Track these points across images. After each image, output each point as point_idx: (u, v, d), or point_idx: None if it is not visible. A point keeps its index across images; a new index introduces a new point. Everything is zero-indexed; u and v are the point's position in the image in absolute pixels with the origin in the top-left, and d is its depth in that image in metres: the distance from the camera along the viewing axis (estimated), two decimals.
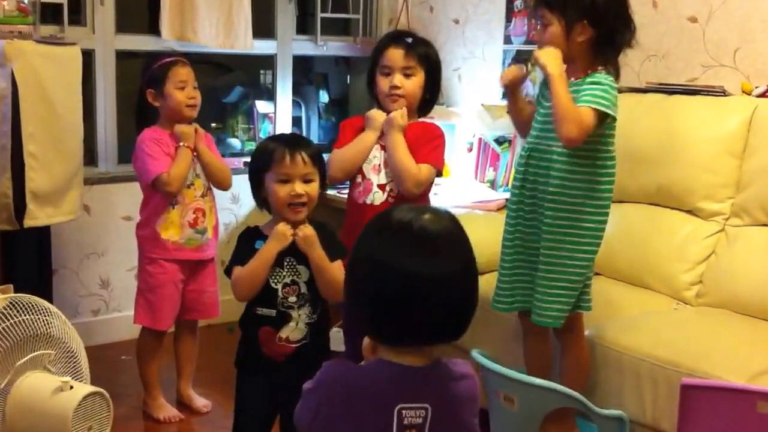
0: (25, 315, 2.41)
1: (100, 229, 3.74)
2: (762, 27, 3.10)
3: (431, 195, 2.81)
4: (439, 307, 1.35)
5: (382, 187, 2.64)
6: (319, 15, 4.30)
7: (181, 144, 2.95)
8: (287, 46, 4.27)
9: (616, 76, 2.42)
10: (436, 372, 1.42)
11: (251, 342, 2.22)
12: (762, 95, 2.98)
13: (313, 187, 2.18)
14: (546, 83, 2.38)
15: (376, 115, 2.66)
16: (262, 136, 4.39)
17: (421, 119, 2.75)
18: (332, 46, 4.43)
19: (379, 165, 2.65)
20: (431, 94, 2.72)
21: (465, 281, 1.39)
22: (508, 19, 4.01)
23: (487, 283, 2.65)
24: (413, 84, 2.64)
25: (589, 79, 2.34)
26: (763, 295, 2.68)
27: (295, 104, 4.45)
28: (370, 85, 2.73)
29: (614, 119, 2.35)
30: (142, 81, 3.03)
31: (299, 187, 2.15)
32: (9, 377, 2.39)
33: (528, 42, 3.85)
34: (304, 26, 4.40)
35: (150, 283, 3.03)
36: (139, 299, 3.07)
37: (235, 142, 4.47)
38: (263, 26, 4.16)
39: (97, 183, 3.68)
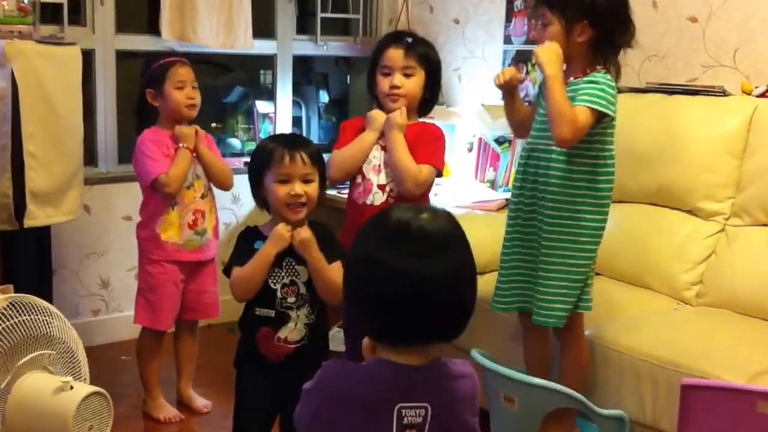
0: (24, 315, 2.40)
1: (100, 229, 3.74)
2: (762, 27, 3.10)
3: (431, 195, 2.82)
4: (437, 307, 1.35)
5: (382, 187, 2.64)
6: (319, 15, 4.30)
7: (181, 145, 2.95)
8: (287, 46, 4.27)
9: (617, 75, 2.42)
10: (436, 371, 1.42)
11: (250, 342, 2.22)
12: (762, 95, 2.98)
13: (313, 188, 2.18)
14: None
15: (377, 115, 2.66)
16: (262, 136, 4.39)
17: (422, 119, 2.75)
18: (332, 46, 4.43)
19: (379, 165, 2.65)
20: (431, 94, 2.73)
21: (463, 280, 1.39)
22: (508, 19, 4.01)
23: (487, 283, 2.65)
24: (413, 84, 2.64)
25: (586, 78, 2.35)
26: (763, 295, 2.68)
27: (295, 104, 4.45)
28: (370, 85, 2.73)
29: (612, 118, 2.35)
30: (142, 81, 3.03)
31: (298, 188, 2.15)
32: (9, 377, 2.39)
33: (528, 42, 3.85)
34: (304, 26, 4.40)
35: (150, 283, 3.03)
36: (139, 299, 3.07)
37: (235, 142, 4.47)
38: (263, 26, 4.16)
39: (97, 183, 3.68)
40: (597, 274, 2.81)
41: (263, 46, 4.19)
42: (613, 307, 2.73)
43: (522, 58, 3.88)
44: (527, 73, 2.57)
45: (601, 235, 2.44)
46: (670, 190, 3.02)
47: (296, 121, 4.51)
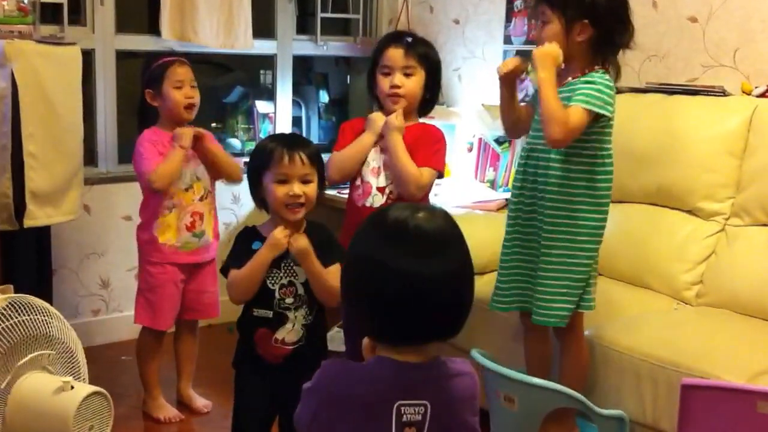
0: (24, 315, 2.40)
1: (100, 229, 3.74)
2: (762, 27, 3.10)
3: (431, 195, 2.81)
4: (437, 306, 1.35)
5: (381, 189, 2.64)
6: (319, 15, 4.30)
7: (175, 144, 2.94)
8: (287, 46, 4.27)
9: (616, 75, 2.42)
10: (435, 369, 1.42)
11: (248, 343, 2.22)
12: (762, 95, 2.98)
13: (312, 188, 2.18)
14: None
15: (376, 117, 2.66)
16: (262, 136, 4.39)
17: (422, 120, 2.75)
18: (332, 46, 4.43)
19: (379, 168, 2.65)
20: (431, 94, 2.72)
21: (462, 280, 1.39)
22: (508, 19, 4.01)
23: (486, 283, 2.65)
24: (413, 83, 2.64)
25: (584, 79, 2.35)
26: (763, 295, 2.68)
27: (295, 104, 4.45)
28: (370, 86, 2.73)
29: (610, 119, 2.35)
30: (142, 81, 3.03)
31: (297, 188, 2.15)
32: (9, 377, 2.39)
33: (528, 42, 3.85)
34: (304, 26, 4.40)
35: (150, 283, 3.03)
36: (140, 299, 3.06)
37: (235, 142, 4.47)
38: (263, 26, 4.16)
39: (97, 183, 3.68)
40: (597, 274, 2.81)
41: (263, 46, 4.18)
42: (613, 307, 2.73)
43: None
44: (527, 73, 2.57)
45: (601, 234, 2.44)
46: (670, 190, 3.02)
47: (296, 121, 4.51)
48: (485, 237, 2.86)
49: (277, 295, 2.17)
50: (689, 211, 2.99)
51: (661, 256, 2.96)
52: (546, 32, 2.38)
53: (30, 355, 2.42)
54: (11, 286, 2.48)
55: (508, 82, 2.50)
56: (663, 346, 2.41)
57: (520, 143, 3.37)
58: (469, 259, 1.41)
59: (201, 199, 3.03)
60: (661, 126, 3.05)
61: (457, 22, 4.26)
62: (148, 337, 3.08)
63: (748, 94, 3.02)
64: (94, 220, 3.71)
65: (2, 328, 2.35)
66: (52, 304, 2.59)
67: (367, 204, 2.64)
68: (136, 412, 3.11)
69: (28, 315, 2.42)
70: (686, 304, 2.88)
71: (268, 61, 4.40)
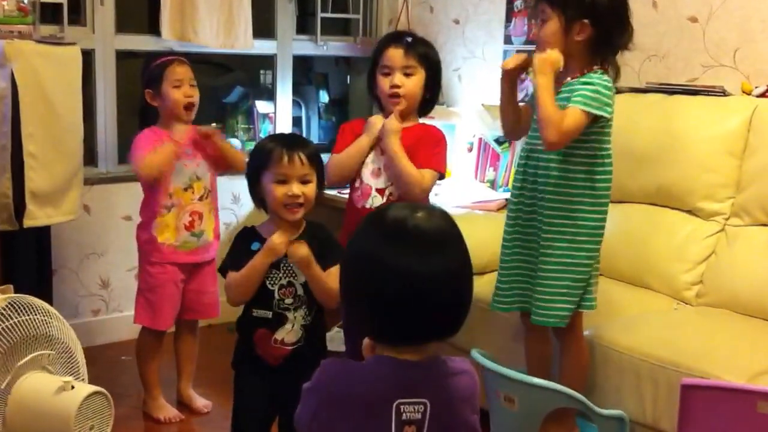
0: (23, 315, 2.40)
1: (100, 229, 3.74)
2: (762, 27, 3.10)
3: (431, 196, 2.81)
4: (437, 306, 1.35)
5: (381, 191, 2.63)
6: (319, 15, 4.30)
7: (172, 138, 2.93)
8: (287, 46, 4.27)
9: (615, 75, 2.42)
10: (435, 368, 1.42)
11: (248, 343, 2.21)
12: (762, 95, 2.98)
13: (311, 188, 2.18)
14: None
15: (374, 120, 2.65)
16: (262, 136, 4.38)
17: (422, 120, 2.74)
18: (332, 46, 4.43)
19: (379, 169, 2.64)
20: (432, 94, 2.72)
21: (461, 278, 1.39)
22: (508, 19, 4.01)
23: (487, 283, 2.65)
24: (413, 83, 2.63)
25: (582, 79, 2.35)
26: (763, 295, 2.68)
27: (295, 104, 4.45)
28: (370, 86, 2.73)
29: (608, 119, 2.35)
30: (141, 81, 3.03)
31: (296, 188, 2.15)
32: (9, 378, 2.39)
33: (528, 42, 3.85)
34: (304, 26, 4.40)
35: (150, 283, 3.03)
36: (139, 299, 3.06)
37: (235, 142, 4.46)
38: (263, 26, 4.16)
39: (97, 183, 3.68)
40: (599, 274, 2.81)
41: (263, 46, 4.19)
42: (613, 307, 2.73)
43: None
44: (527, 73, 2.57)
45: (601, 234, 2.44)
46: (670, 190, 3.02)
47: (296, 121, 4.51)
48: (485, 237, 2.86)
49: (276, 295, 2.17)
50: (689, 211, 2.99)
51: (661, 256, 2.96)
52: (545, 30, 2.38)
53: (30, 355, 2.42)
54: (11, 286, 2.48)
55: (511, 78, 2.49)
56: (663, 346, 2.41)
57: (520, 143, 3.37)
58: (468, 259, 1.41)
59: (201, 199, 3.03)
60: (661, 126, 3.05)
61: (457, 22, 4.26)
62: (148, 337, 3.08)
63: (748, 94, 3.03)
64: (94, 220, 3.71)
65: (2, 328, 2.35)
66: (52, 304, 2.59)
67: (367, 205, 2.63)
68: (136, 412, 3.11)
69: (28, 315, 2.42)
70: (686, 304, 2.88)
71: (268, 61, 4.41)
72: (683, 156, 2.97)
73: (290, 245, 2.14)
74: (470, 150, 3.98)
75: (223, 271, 2.22)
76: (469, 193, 3.75)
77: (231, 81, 4.68)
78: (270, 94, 4.41)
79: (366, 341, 1.45)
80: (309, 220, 2.25)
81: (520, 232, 2.50)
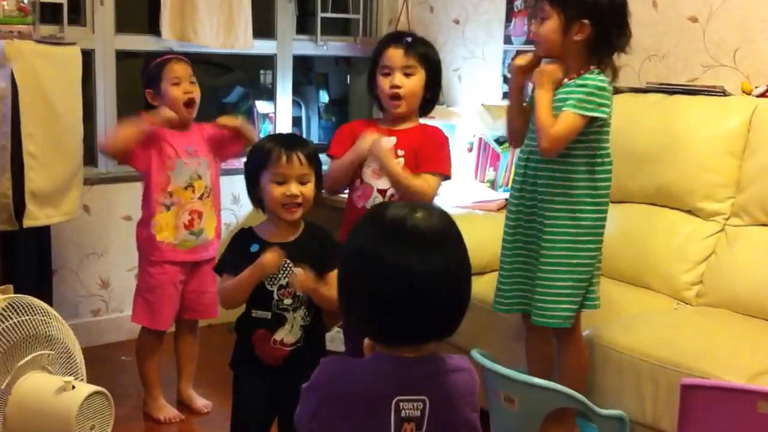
0: (23, 315, 2.40)
1: (100, 229, 3.74)
2: (762, 27, 3.10)
3: None
4: (437, 306, 1.35)
5: (382, 192, 2.62)
6: (319, 15, 4.30)
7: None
8: (287, 46, 4.27)
9: (614, 76, 2.42)
10: (433, 365, 1.42)
11: (247, 344, 2.21)
12: (762, 95, 2.98)
13: (309, 188, 2.18)
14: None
15: (362, 143, 2.56)
16: (263, 136, 4.38)
17: (422, 120, 2.74)
18: (332, 46, 4.43)
19: (380, 169, 2.63)
20: (432, 94, 2.71)
21: (460, 278, 1.39)
22: (508, 19, 4.02)
23: (487, 283, 2.65)
24: (413, 83, 2.63)
25: (578, 81, 2.36)
26: (763, 295, 2.68)
27: (295, 104, 4.45)
28: (370, 86, 2.72)
29: (605, 119, 2.35)
30: (141, 82, 3.03)
31: (295, 188, 2.15)
32: (9, 378, 2.39)
33: (528, 42, 3.85)
34: (304, 26, 4.40)
35: (150, 284, 3.02)
36: (138, 299, 3.06)
37: None
38: (263, 26, 4.16)
39: (97, 183, 3.68)
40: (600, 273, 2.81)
41: (263, 46, 4.18)
42: (613, 307, 2.73)
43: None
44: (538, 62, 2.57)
45: (601, 233, 2.44)
46: (670, 190, 3.02)
47: (296, 121, 4.51)
48: (485, 237, 2.86)
49: (275, 296, 2.17)
50: (689, 211, 2.99)
51: (661, 256, 2.96)
52: (544, 29, 2.38)
53: (30, 356, 2.42)
54: (11, 286, 2.48)
55: (521, 80, 2.48)
56: (663, 346, 2.41)
57: None
58: (467, 258, 1.41)
59: (201, 198, 3.03)
60: (661, 126, 3.05)
61: (457, 22, 4.26)
62: (147, 337, 3.08)
63: (748, 94, 3.03)
64: (94, 220, 3.71)
65: (2, 328, 2.35)
66: (52, 305, 2.59)
67: (367, 206, 2.62)
68: (136, 412, 3.11)
69: (28, 315, 2.42)
70: (686, 304, 2.88)
71: (268, 61, 4.41)
72: (683, 156, 2.97)
73: (296, 275, 2.13)
74: (470, 150, 3.98)
75: (219, 270, 2.23)
76: (469, 193, 3.75)
77: (231, 81, 4.69)
78: (270, 94, 4.41)
79: (366, 341, 1.45)
80: (308, 221, 2.25)
81: (521, 234, 2.50)
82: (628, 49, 2.40)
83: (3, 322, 2.35)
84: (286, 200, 2.15)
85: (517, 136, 2.56)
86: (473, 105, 4.07)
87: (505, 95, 4.03)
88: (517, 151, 2.68)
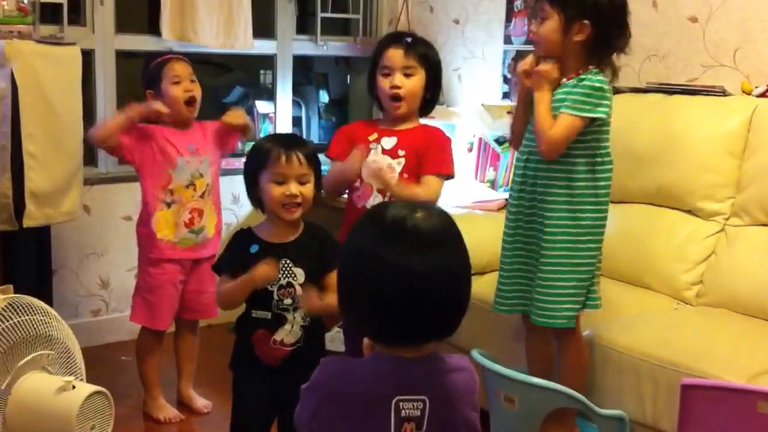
0: (23, 316, 2.40)
1: (100, 229, 3.74)
2: (762, 27, 3.10)
3: None
4: (435, 304, 1.35)
5: (382, 192, 2.62)
6: (319, 15, 4.30)
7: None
8: (287, 46, 4.27)
9: (613, 75, 2.42)
10: (433, 364, 1.42)
11: (246, 344, 2.21)
12: (762, 95, 2.98)
13: (309, 188, 2.18)
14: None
15: (352, 162, 2.53)
16: (263, 136, 4.39)
17: (423, 120, 2.74)
18: (332, 46, 4.43)
19: (380, 169, 2.63)
20: (432, 94, 2.71)
21: (459, 278, 1.39)
22: (508, 19, 4.02)
23: (487, 283, 2.65)
24: (413, 84, 2.63)
25: (575, 82, 2.36)
26: (763, 295, 2.68)
27: (295, 104, 4.45)
28: (370, 86, 2.72)
29: (603, 120, 2.35)
30: (142, 84, 3.03)
31: (294, 188, 2.15)
32: (9, 378, 2.39)
33: (528, 42, 3.85)
34: (304, 26, 4.40)
35: (149, 284, 3.02)
36: (137, 298, 3.06)
37: None
38: (263, 26, 4.16)
39: (97, 183, 3.68)
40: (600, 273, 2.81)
41: (263, 46, 4.19)
42: (613, 307, 2.72)
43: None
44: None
45: (602, 233, 2.44)
46: (670, 190, 3.02)
47: (296, 121, 4.51)
48: (485, 237, 2.86)
49: (275, 296, 2.17)
50: (689, 211, 2.99)
51: (660, 256, 2.96)
52: (544, 29, 2.38)
53: (30, 356, 2.42)
54: (11, 287, 2.48)
55: (526, 81, 2.48)
56: (663, 346, 2.41)
57: None
58: (467, 258, 1.41)
59: (202, 196, 3.03)
60: (661, 126, 3.05)
61: (457, 22, 4.26)
62: (147, 337, 3.08)
63: (748, 94, 3.03)
64: (94, 220, 3.71)
65: (2, 328, 2.35)
66: (52, 305, 2.59)
67: (368, 206, 2.62)
68: (136, 412, 3.11)
69: (28, 315, 2.42)
70: (686, 304, 2.88)
71: (268, 61, 4.41)
72: (683, 156, 2.97)
73: (307, 299, 2.14)
74: (470, 150, 3.98)
75: (217, 270, 2.23)
76: (469, 193, 3.75)
77: (231, 81, 4.69)
78: (270, 94, 4.41)
79: (366, 341, 1.45)
80: (307, 221, 2.25)
81: (521, 235, 2.50)
82: (627, 50, 2.40)
83: (3, 322, 2.35)
84: (285, 200, 2.15)
85: (520, 138, 2.56)
86: (473, 105, 4.07)
87: (505, 95, 4.04)
88: (517, 151, 2.68)
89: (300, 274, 2.17)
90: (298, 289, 2.17)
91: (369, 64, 2.72)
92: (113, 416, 2.47)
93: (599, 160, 2.40)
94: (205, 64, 4.18)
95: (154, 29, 3.78)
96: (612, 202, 2.48)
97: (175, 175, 2.97)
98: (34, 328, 2.42)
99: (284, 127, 4.32)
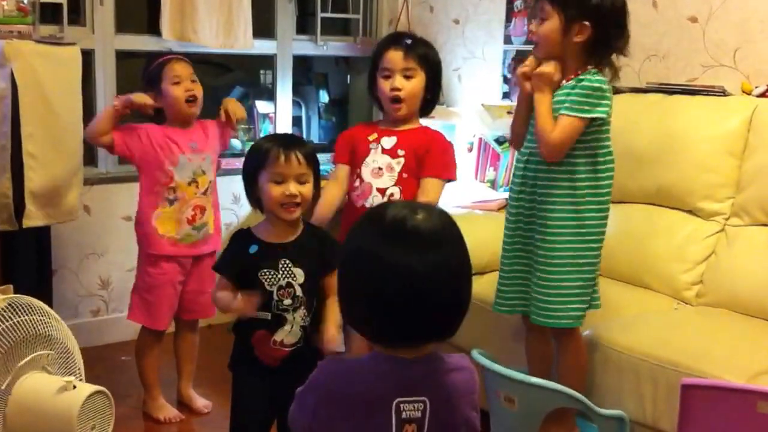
0: (23, 316, 2.40)
1: (100, 229, 3.74)
2: (761, 27, 3.10)
3: None
4: (435, 305, 1.35)
5: (381, 191, 2.62)
6: (319, 15, 4.30)
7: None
8: (287, 46, 4.27)
9: (613, 75, 2.42)
10: (432, 364, 1.42)
11: (246, 345, 2.21)
12: (762, 95, 2.98)
13: (308, 188, 2.18)
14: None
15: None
16: (263, 135, 4.39)
17: (423, 121, 2.73)
18: (332, 46, 4.43)
19: (379, 168, 2.63)
20: (432, 95, 2.71)
21: (460, 278, 1.38)
22: (508, 19, 4.02)
23: (487, 283, 2.65)
24: (414, 85, 2.63)
25: (575, 82, 2.36)
26: (763, 295, 2.68)
27: (295, 104, 4.45)
28: (370, 87, 2.72)
29: (604, 119, 2.35)
30: (143, 85, 3.03)
31: (293, 188, 2.15)
32: (9, 378, 2.39)
33: (528, 42, 3.85)
34: (304, 26, 4.40)
35: (148, 283, 3.03)
36: (135, 297, 3.06)
37: (235, 142, 4.46)
38: (263, 26, 4.16)
39: (97, 183, 3.68)
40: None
41: (263, 46, 4.19)
42: (613, 307, 2.73)
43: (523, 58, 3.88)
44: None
45: (604, 232, 2.45)
46: (670, 191, 3.02)
47: (296, 121, 4.51)
48: (485, 237, 2.86)
49: (275, 296, 2.17)
50: (689, 211, 2.99)
51: (660, 256, 2.96)
52: (543, 29, 2.38)
53: (30, 356, 2.42)
54: (11, 287, 2.48)
55: (527, 83, 2.48)
56: (663, 346, 2.41)
57: None
58: (467, 258, 1.41)
59: (205, 193, 3.04)
60: (661, 126, 3.05)
61: (457, 22, 4.26)
62: (147, 337, 3.08)
63: (748, 94, 3.03)
64: (94, 220, 3.71)
65: (2, 328, 2.35)
66: (52, 305, 2.59)
67: (366, 204, 2.62)
68: (136, 412, 3.11)
69: (27, 315, 2.42)
70: (686, 303, 2.88)
71: (268, 61, 4.41)
72: (683, 156, 2.97)
73: (325, 339, 2.16)
74: (470, 150, 3.98)
75: (217, 270, 2.23)
76: (469, 193, 3.75)
77: (231, 81, 4.69)
78: (270, 94, 4.41)
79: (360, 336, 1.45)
80: (308, 222, 2.25)
81: (521, 236, 2.50)
82: (626, 52, 2.40)
83: (3, 323, 2.35)
84: (284, 200, 2.15)
85: (520, 139, 2.56)
86: (473, 105, 4.07)
87: (505, 95, 4.04)
88: (517, 152, 2.68)
89: (299, 274, 2.17)
90: (298, 289, 2.17)
91: (369, 64, 2.72)
92: (113, 416, 2.47)
93: (600, 159, 2.40)
94: (205, 64, 4.18)
95: (154, 29, 3.78)
96: (612, 202, 2.48)
97: (177, 173, 2.97)
98: (34, 328, 2.42)
99: (284, 127, 4.32)
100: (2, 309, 2.35)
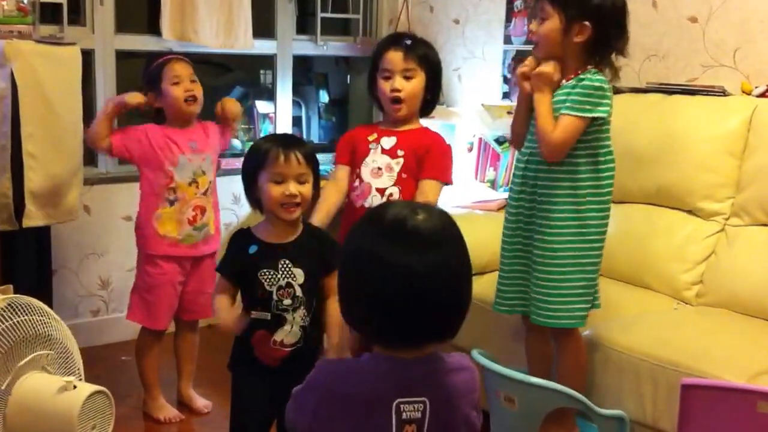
0: (22, 316, 2.40)
1: (100, 229, 3.74)
2: (761, 27, 3.10)
3: None
4: (435, 305, 1.35)
5: (381, 191, 2.62)
6: (319, 15, 4.30)
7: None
8: (287, 46, 4.27)
9: (613, 75, 2.42)
10: (433, 365, 1.42)
11: (246, 345, 2.21)
12: (762, 95, 2.98)
13: (307, 188, 2.18)
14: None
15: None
16: (263, 135, 4.39)
17: (424, 122, 2.73)
18: (332, 46, 4.43)
19: (379, 168, 2.63)
20: (432, 95, 2.71)
21: (460, 278, 1.39)
22: (508, 19, 4.02)
23: (487, 283, 2.65)
24: (414, 86, 2.62)
25: (575, 82, 2.36)
26: (763, 295, 2.68)
27: (295, 104, 4.45)
28: (370, 88, 2.72)
29: (604, 119, 2.36)
30: (143, 86, 3.04)
31: (293, 188, 2.15)
32: (9, 378, 2.39)
33: (528, 42, 3.85)
34: (304, 26, 4.40)
35: (148, 283, 3.03)
36: (134, 297, 3.06)
37: (235, 142, 4.46)
38: (263, 26, 4.16)
39: (97, 183, 3.68)
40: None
41: (263, 46, 4.19)
42: (613, 307, 2.73)
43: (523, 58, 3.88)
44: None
45: (605, 231, 2.45)
46: (670, 191, 3.02)
47: (296, 121, 4.51)
48: (485, 237, 2.86)
49: (275, 296, 2.16)
50: (689, 211, 2.99)
51: (660, 256, 2.96)
52: (543, 29, 2.38)
53: (30, 356, 2.42)
54: (11, 287, 2.48)
55: (526, 83, 2.48)
56: (663, 346, 2.41)
57: None
58: (468, 258, 1.41)
59: (205, 193, 3.04)
60: (661, 126, 3.05)
61: (457, 22, 4.26)
62: (147, 337, 3.08)
63: (748, 94, 3.03)
64: (94, 221, 3.71)
65: (2, 328, 2.34)
66: (52, 305, 2.59)
67: (366, 205, 2.62)
68: (136, 412, 3.11)
69: (27, 315, 2.42)
70: (686, 303, 2.88)
71: (268, 61, 4.41)
72: (683, 156, 2.97)
73: (327, 347, 2.20)
74: (470, 150, 3.98)
75: (219, 270, 2.24)
76: (469, 193, 3.75)
77: (231, 81, 4.68)
78: (270, 94, 4.41)
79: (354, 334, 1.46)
80: (308, 222, 2.25)
81: (521, 236, 2.50)
82: (626, 52, 2.40)
83: (3, 323, 2.35)
84: (284, 200, 2.15)
85: (521, 139, 2.56)
86: (473, 105, 4.07)
87: (505, 95, 4.04)
88: (516, 152, 2.68)
89: (299, 274, 2.17)
90: (298, 289, 2.17)
91: (369, 64, 2.72)
92: (114, 416, 2.47)
93: (601, 159, 2.40)
94: (205, 64, 4.18)
95: (154, 29, 3.79)
96: (612, 202, 2.48)
97: (177, 173, 2.98)
98: (34, 328, 2.42)
99: (284, 127, 4.32)
100: (2, 309, 2.35)
